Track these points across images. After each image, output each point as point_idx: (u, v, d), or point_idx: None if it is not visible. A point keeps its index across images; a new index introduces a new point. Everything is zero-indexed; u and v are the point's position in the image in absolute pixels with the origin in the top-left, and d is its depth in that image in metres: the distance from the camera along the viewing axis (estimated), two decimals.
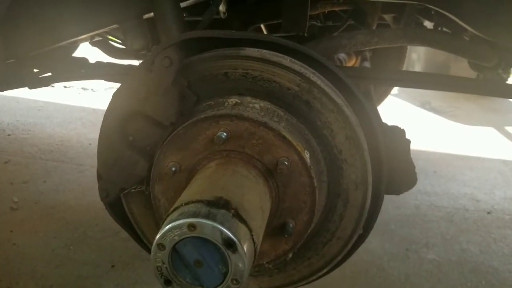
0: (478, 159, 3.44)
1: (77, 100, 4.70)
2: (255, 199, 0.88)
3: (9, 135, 3.44)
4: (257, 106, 0.98)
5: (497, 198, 2.78)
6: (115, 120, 1.04)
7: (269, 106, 0.99)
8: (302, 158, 0.93)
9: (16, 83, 1.85)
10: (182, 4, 1.45)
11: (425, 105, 5.06)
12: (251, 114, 0.94)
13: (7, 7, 1.29)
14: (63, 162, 3.02)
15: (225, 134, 0.93)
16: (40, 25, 1.41)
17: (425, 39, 1.58)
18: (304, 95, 0.98)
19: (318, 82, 0.97)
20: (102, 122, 1.06)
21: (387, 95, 3.70)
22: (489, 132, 4.20)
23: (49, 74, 1.88)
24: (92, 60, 1.99)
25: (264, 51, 0.99)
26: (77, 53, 2.47)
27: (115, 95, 1.03)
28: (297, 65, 0.97)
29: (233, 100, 0.99)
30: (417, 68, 5.96)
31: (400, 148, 1.10)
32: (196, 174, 0.97)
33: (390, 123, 1.11)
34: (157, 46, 1.04)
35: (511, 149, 3.74)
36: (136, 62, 2.48)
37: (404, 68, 3.36)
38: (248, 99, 1.00)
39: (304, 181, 0.94)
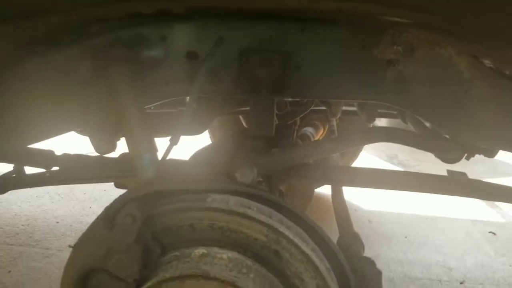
0: (447, 219, 3.50)
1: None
2: None
3: None
4: (224, 256, 0.97)
5: (468, 265, 2.81)
6: (75, 277, 1.01)
7: (237, 256, 0.99)
8: None
9: None
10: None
11: (392, 159, 5.16)
12: (218, 271, 0.93)
13: None
14: (29, 246, 2.92)
15: None
16: (5, 130, 1.39)
17: (386, 137, 1.63)
18: (272, 245, 0.98)
19: (286, 232, 0.97)
20: (62, 275, 1.03)
21: (358, 156, 3.77)
22: None
23: (12, 177, 1.83)
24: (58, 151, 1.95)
25: (231, 199, 1.00)
26: None
27: (75, 248, 1.01)
28: (263, 216, 0.98)
29: (200, 251, 0.99)
30: None
31: (372, 281, 1.11)
32: None
33: (361, 256, 1.13)
34: (116, 199, 1.03)
35: (478, 206, 3.83)
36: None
37: None
38: (215, 249, 0.99)
39: None
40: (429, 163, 4.97)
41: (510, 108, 1.24)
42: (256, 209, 1.00)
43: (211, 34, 1.28)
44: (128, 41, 1.27)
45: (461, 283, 2.58)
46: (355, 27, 1.27)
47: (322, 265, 1.00)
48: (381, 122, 6.00)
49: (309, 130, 2.69)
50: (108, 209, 1.01)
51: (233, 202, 1.00)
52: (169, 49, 1.31)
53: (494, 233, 3.30)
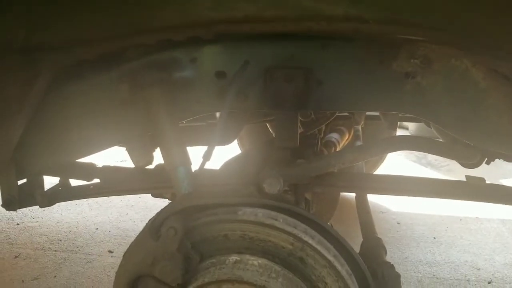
0: (476, 219, 3.51)
1: None
2: None
3: (18, 224, 3.53)
4: (255, 262, 1.08)
5: (497, 264, 2.83)
6: (125, 282, 1.14)
7: (267, 263, 1.09)
8: None
9: (28, 202, 1.95)
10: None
11: (421, 159, 5.16)
12: (250, 276, 1.04)
13: (20, 135, 1.42)
14: (72, 252, 3.10)
15: None
16: (53, 147, 1.53)
17: (408, 145, 1.70)
18: (297, 252, 1.09)
19: (310, 241, 1.07)
20: (114, 281, 1.16)
21: (383, 161, 3.80)
22: None
23: (59, 190, 1.98)
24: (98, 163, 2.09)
25: (259, 212, 1.10)
26: None
27: (125, 257, 1.14)
28: (289, 226, 1.08)
29: (234, 258, 1.10)
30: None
31: (391, 284, 1.19)
32: None
33: (382, 260, 1.21)
34: (159, 213, 1.14)
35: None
36: None
37: None
38: (247, 256, 1.11)
39: None
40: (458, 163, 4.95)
41: None
42: (282, 221, 1.10)
43: (238, 54, 1.38)
44: (161, 64, 1.38)
45: (489, 282, 2.61)
46: (373, 43, 1.34)
47: (344, 269, 1.09)
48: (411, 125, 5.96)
49: (334, 136, 2.75)
50: (152, 222, 1.13)
51: (262, 214, 1.11)
52: (199, 70, 1.41)
53: None
